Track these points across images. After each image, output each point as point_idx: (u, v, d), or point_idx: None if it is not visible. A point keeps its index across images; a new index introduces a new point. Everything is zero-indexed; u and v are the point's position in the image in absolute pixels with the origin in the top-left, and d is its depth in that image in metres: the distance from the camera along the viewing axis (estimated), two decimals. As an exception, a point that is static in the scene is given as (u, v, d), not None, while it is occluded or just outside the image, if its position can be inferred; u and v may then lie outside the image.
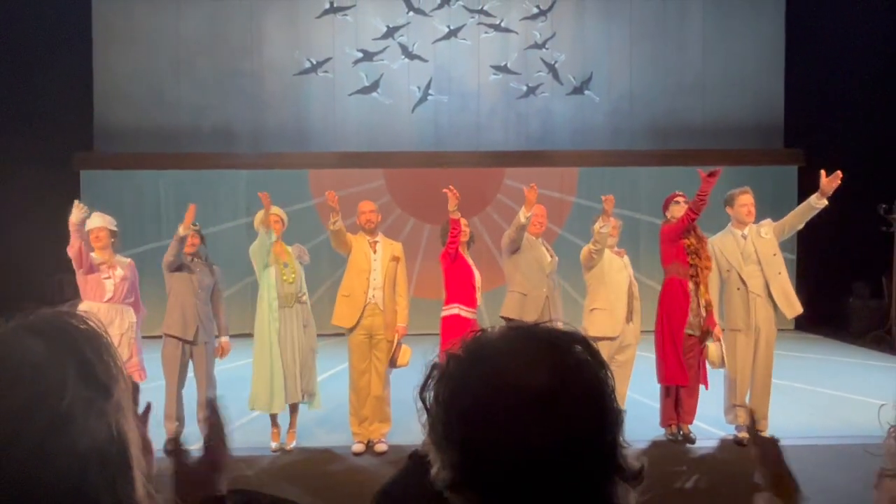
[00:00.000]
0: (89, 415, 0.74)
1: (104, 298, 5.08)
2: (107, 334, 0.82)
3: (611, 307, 5.29)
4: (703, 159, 10.54)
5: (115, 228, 5.37)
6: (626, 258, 5.51)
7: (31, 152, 9.39)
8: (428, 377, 0.81)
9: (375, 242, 5.38)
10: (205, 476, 0.99)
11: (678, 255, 5.34)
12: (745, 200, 5.41)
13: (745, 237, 5.40)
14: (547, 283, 5.44)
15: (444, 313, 5.33)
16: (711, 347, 5.31)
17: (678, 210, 5.41)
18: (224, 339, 5.38)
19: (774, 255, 5.36)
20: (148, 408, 1.02)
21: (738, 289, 5.35)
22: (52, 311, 0.81)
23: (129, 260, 5.40)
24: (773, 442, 1.30)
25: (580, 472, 0.75)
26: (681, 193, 5.51)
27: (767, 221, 5.48)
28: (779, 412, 5.52)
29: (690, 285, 5.30)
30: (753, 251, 5.34)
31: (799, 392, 6.79)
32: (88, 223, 5.30)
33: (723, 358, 5.30)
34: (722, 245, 5.43)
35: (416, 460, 1.12)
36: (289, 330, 5.25)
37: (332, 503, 3.93)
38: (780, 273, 5.35)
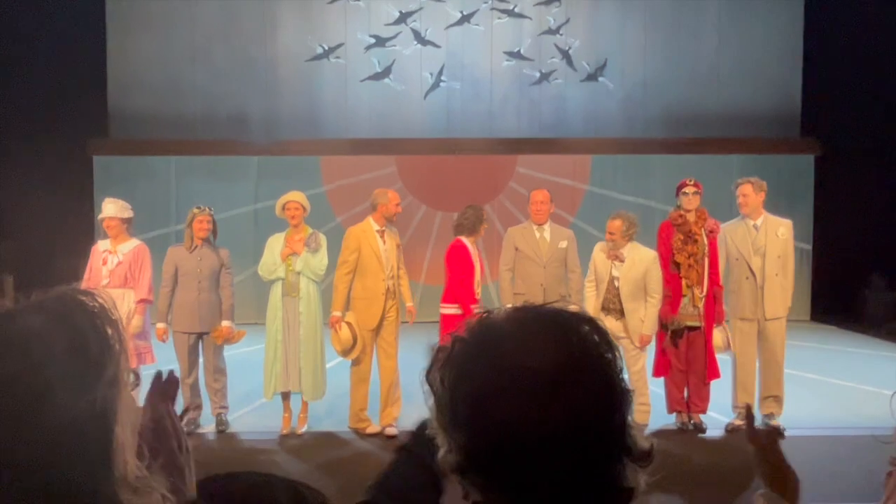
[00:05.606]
0: (72, 390, 0.74)
1: (100, 285, 5.13)
2: (116, 311, 0.83)
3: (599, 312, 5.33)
4: (718, 148, 10.50)
5: (128, 215, 5.40)
6: (633, 256, 5.28)
7: (46, 138, 9.46)
8: (433, 360, 0.81)
9: (383, 231, 5.38)
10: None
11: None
12: (741, 191, 5.40)
13: (756, 228, 5.36)
14: (544, 274, 5.43)
15: (443, 310, 5.45)
16: (715, 332, 5.35)
17: (686, 201, 5.35)
18: (225, 323, 5.35)
19: (779, 257, 5.33)
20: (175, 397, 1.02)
21: (747, 278, 5.34)
22: (65, 288, 0.83)
23: (138, 243, 5.41)
24: (771, 433, 1.28)
25: (587, 453, 0.74)
26: (691, 182, 5.37)
27: (788, 223, 5.42)
28: (792, 402, 5.49)
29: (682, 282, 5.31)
30: (764, 244, 5.32)
31: (813, 383, 6.74)
32: (102, 212, 5.35)
33: (727, 342, 5.35)
34: (733, 233, 5.43)
35: (405, 453, 1.12)
36: (291, 319, 5.29)
37: (339, 485, 3.95)
38: (776, 275, 5.31)
